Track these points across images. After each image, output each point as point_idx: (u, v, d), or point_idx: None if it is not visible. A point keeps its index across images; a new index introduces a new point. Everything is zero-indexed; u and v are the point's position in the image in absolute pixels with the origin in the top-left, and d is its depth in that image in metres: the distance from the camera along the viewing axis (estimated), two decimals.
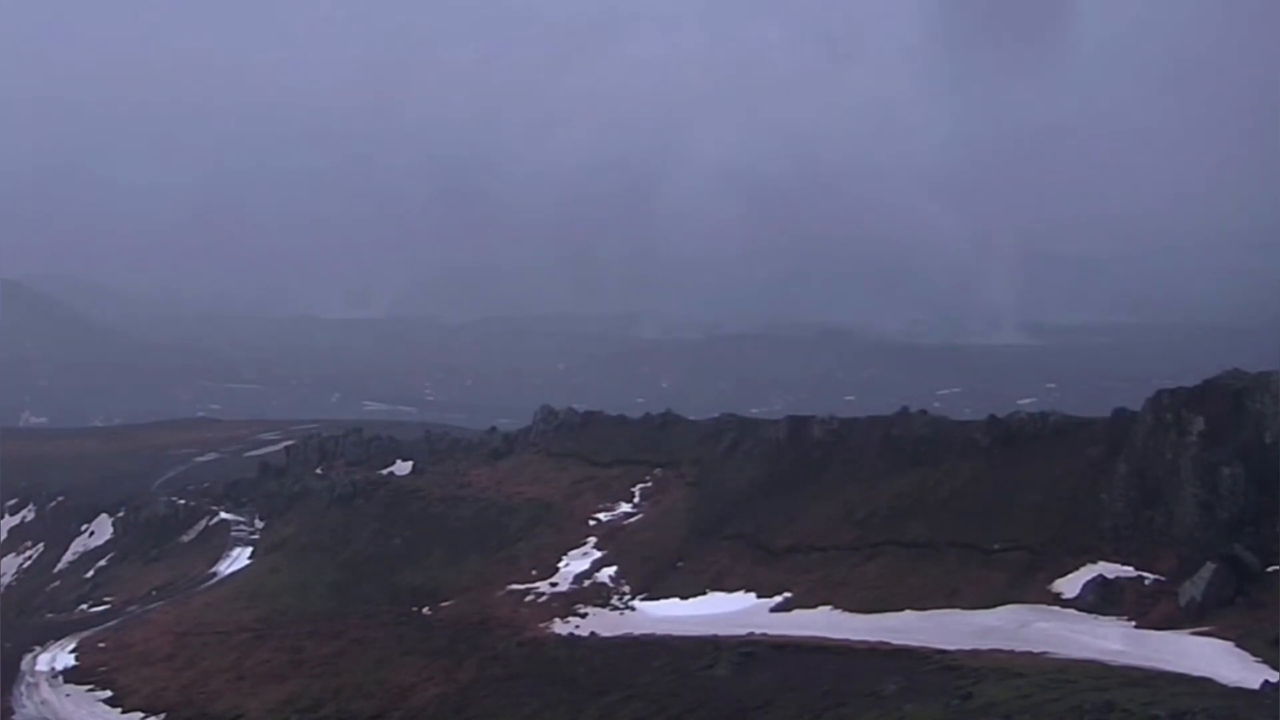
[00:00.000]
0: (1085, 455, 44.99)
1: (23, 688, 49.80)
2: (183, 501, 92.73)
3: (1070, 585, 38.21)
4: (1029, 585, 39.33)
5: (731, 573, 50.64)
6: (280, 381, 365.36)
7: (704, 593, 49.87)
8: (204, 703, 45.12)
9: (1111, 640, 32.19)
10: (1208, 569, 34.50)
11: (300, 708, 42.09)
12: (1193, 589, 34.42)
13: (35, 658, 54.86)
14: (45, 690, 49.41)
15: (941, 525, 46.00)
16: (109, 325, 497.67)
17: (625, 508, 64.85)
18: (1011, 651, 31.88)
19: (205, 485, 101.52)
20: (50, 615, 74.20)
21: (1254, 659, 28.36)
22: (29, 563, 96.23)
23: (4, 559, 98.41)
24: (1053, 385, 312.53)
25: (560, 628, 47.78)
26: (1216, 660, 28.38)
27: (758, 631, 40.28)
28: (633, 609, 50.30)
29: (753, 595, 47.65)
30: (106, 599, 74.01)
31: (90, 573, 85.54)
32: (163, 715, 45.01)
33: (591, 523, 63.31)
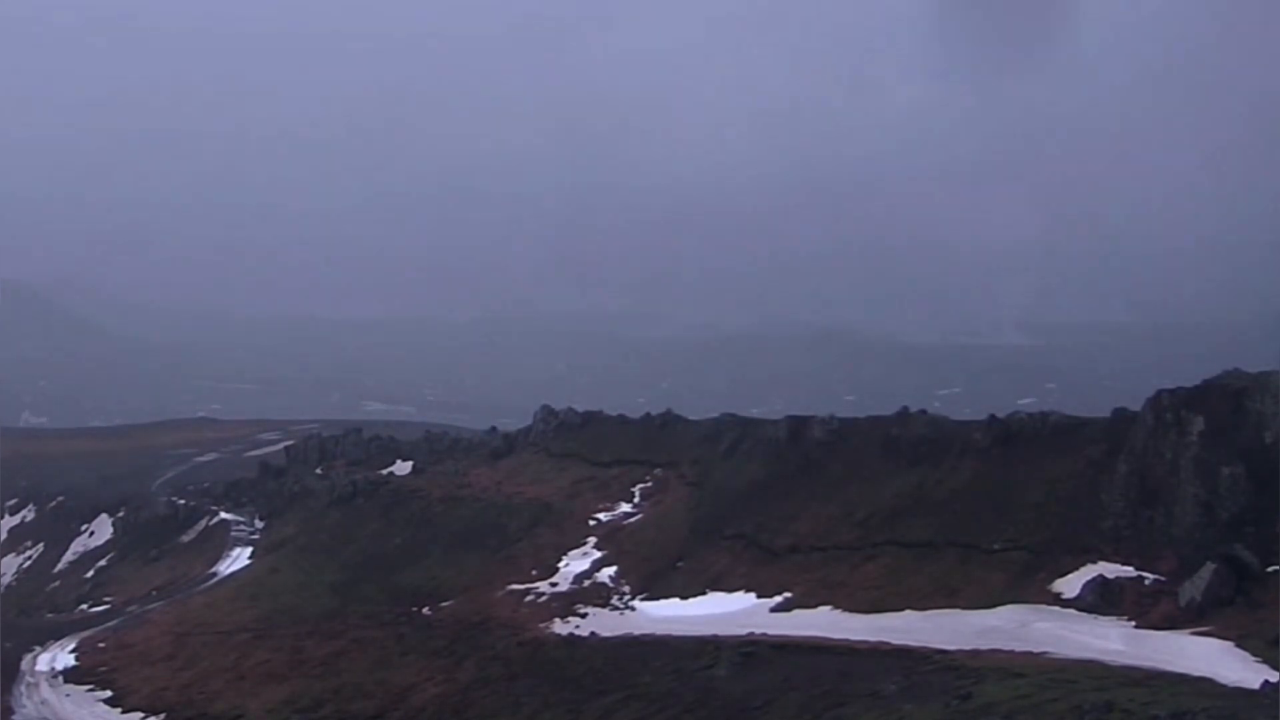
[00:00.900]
0: (1085, 455, 44.96)
1: (23, 688, 49.82)
2: (183, 501, 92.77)
3: (1070, 585, 38.20)
4: (1029, 585, 39.33)
5: (731, 573, 50.62)
6: (280, 381, 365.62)
7: (704, 593, 49.85)
8: (204, 703, 45.15)
9: (1111, 640, 32.19)
10: (1208, 569, 34.50)
11: (300, 708, 42.12)
12: (1193, 589, 34.42)
13: (35, 658, 54.90)
14: (45, 690, 49.44)
15: (941, 525, 45.99)
16: (109, 325, 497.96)
17: (625, 508, 64.85)
18: (1011, 651, 31.88)
19: (205, 485, 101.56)
20: (50, 615, 74.26)
21: (1254, 659, 28.35)
22: (29, 563, 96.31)
23: (4, 559, 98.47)
24: (1053, 385, 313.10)
25: (560, 628, 47.77)
26: (1216, 660, 28.38)
27: (758, 631, 40.27)
28: (633, 609, 50.29)
29: (753, 595, 47.62)
30: (106, 599, 74.08)
31: (90, 573, 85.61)
32: (163, 715, 45.05)
33: (591, 523, 63.30)
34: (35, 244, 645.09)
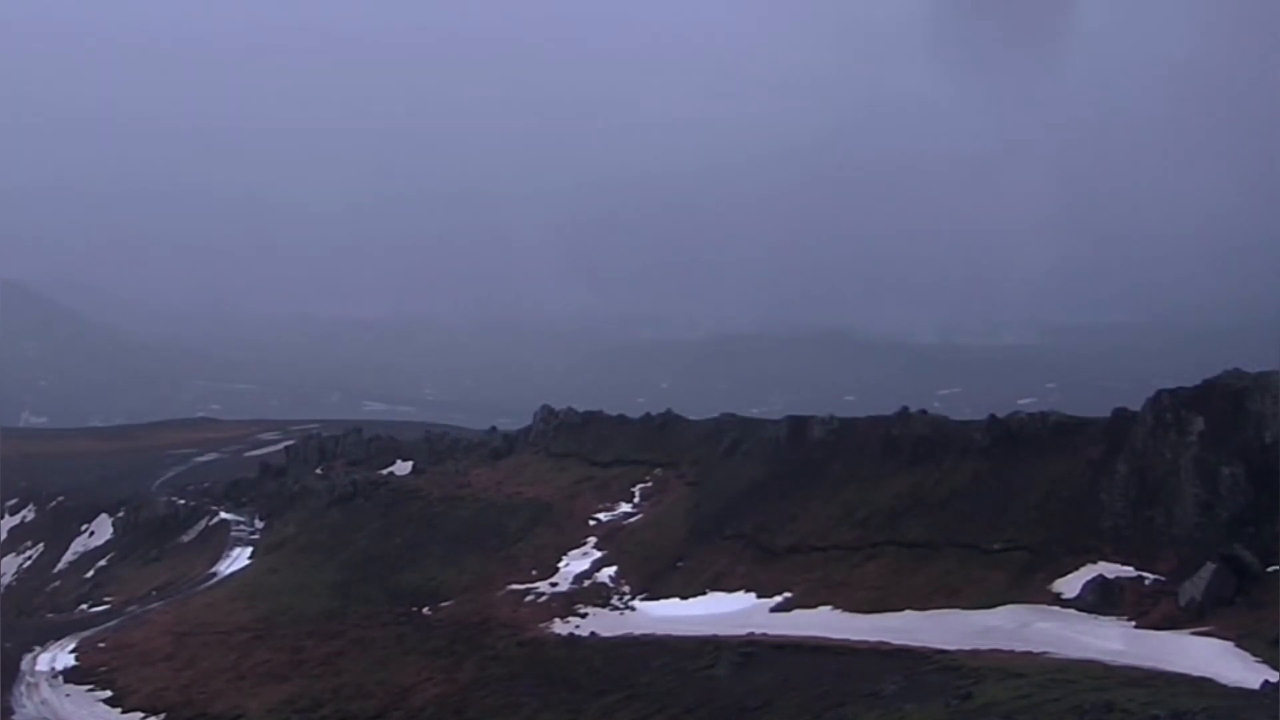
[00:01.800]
0: (1085, 455, 44.96)
1: (23, 688, 49.78)
2: (183, 501, 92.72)
3: (1070, 585, 38.21)
4: (1029, 585, 39.33)
5: (731, 573, 50.64)
6: (280, 381, 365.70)
7: (704, 593, 49.87)
8: (204, 703, 45.12)
9: (1111, 640, 32.20)
10: (1208, 569, 34.50)
11: (300, 708, 42.12)
12: (1193, 589, 34.42)
13: (35, 658, 54.83)
14: (45, 690, 49.40)
15: (941, 525, 46.00)
16: (109, 325, 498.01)
17: (625, 508, 64.85)
18: (1011, 651, 31.88)
19: (205, 485, 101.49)
20: (50, 615, 74.20)
21: (1254, 659, 28.35)
22: (29, 563, 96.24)
23: (4, 559, 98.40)
24: (1053, 385, 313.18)
25: (560, 628, 47.78)
26: (1216, 660, 28.38)
27: (758, 631, 40.29)
28: (633, 609, 50.31)
29: (753, 595, 47.65)
30: (106, 599, 74.03)
31: (90, 573, 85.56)
32: (163, 715, 45.02)
33: (591, 523, 63.30)
34: (35, 244, 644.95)
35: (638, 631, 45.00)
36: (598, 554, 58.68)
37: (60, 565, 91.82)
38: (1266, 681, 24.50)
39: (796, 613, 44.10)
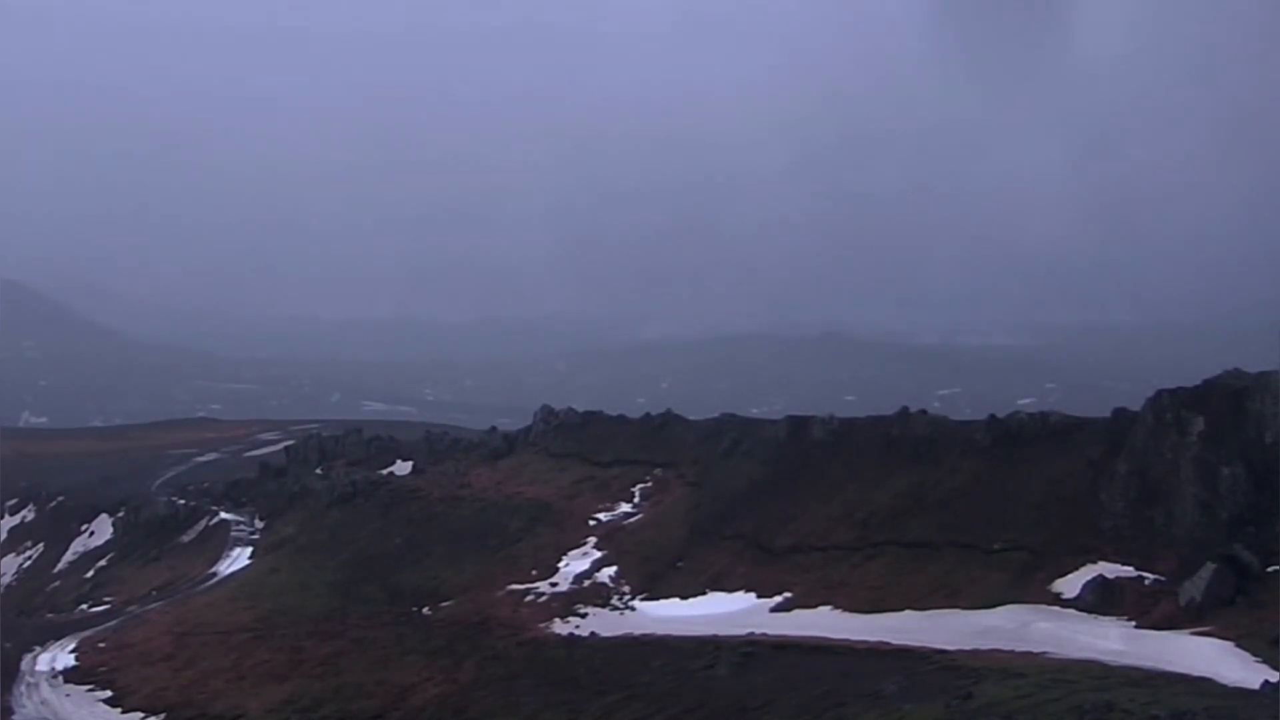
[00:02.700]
0: (1085, 455, 44.96)
1: (23, 688, 49.77)
2: (183, 501, 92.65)
3: (1070, 585, 38.21)
4: (1029, 585, 39.33)
5: (731, 573, 50.63)
6: (280, 381, 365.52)
7: (704, 593, 49.87)
8: (204, 703, 45.10)
9: (1111, 640, 32.19)
10: (1208, 569, 34.50)
11: (300, 708, 42.10)
12: (1193, 589, 34.42)
13: (35, 658, 54.80)
14: (45, 690, 49.39)
15: (941, 525, 45.99)
16: (109, 325, 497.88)
17: (625, 508, 64.84)
18: (1011, 651, 31.88)
19: (205, 485, 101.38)
20: (50, 615, 74.16)
21: (1254, 659, 28.35)
22: (29, 563, 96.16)
23: (4, 559, 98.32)
24: (1053, 385, 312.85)
25: (560, 628, 47.78)
26: (1216, 660, 28.37)
27: (758, 631, 40.28)
28: (633, 609, 50.30)
29: (753, 595, 47.65)
30: (106, 599, 73.98)
31: (90, 573, 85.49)
32: (163, 715, 45.00)
33: (591, 523, 63.29)
34: (35, 244, 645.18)
35: (638, 631, 44.99)
36: (598, 554, 58.67)
37: (60, 565, 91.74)
38: (1266, 681, 24.50)
39: (796, 613, 44.11)
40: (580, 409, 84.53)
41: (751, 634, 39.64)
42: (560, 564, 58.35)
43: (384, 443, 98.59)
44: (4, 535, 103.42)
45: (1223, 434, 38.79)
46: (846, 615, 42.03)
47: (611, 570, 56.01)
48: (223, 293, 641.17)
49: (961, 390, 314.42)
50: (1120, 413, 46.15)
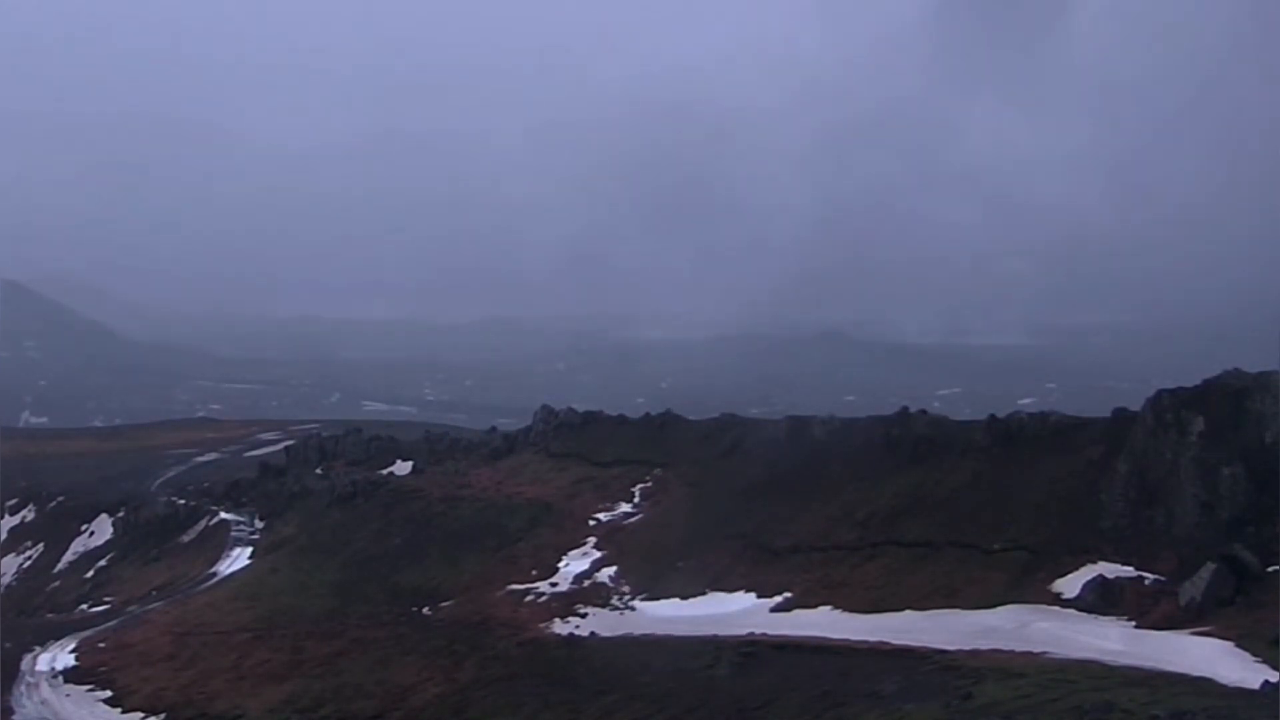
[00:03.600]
0: (1085, 455, 44.94)
1: (23, 688, 49.79)
2: (183, 501, 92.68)
3: (1070, 585, 38.16)
4: (1029, 585, 39.30)
5: (731, 573, 50.61)
6: (280, 381, 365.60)
7: (704, 593, 49.83)
8: (204, 703, 45.10)
9: (1111, 640, 32.15)
10: (1208, 569, 34.47)
11: (300, 708, 42.09)
12: (1193, 589, 34.40)
13: (35, 658, 54.83)
14: (45, 690, 49.41)
15: (941, 525, 45.97)
16: (109, 325, 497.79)
17: (625, 508, 64.87)
18: (1011, 651, 31.83)
19: (205, 485, 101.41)
20: (50, 615, 74.19)
21: (1254, 659, 28.31)
22: (29, 563, 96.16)
23: (4, 559, 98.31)
24: (1053, 385, 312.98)
25: (560, 628, 47.76)
26: (1216, 660, 28.34)
27: (758, 631, 40.26)
28: (633, 609, 50.29)
29: (753, 595, 47.61)
30: (106, 599, 74.02)
31: (90, 573, 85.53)
32: (163, 715, 45.00)
33: (591, 523, 63.31)
34: (36, 244, 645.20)
35: (638, 631, 45.00)
36: (598, 554, 58.68)
37: (60, 565, 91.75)
38: (1266, 681, 24.49)
39: (796, 613, 44.07)
40: (580, 409, 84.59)
41: (752, 634, 39.61)
42: (560, 564, 58.36)
43: (384, 443, 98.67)
44: (4, 535, 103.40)
45: (1223, 434, 38.77)
46: (846, 615, 41.99)
47: (611, 570, 56.01)
48: (223, 293, 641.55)
49: (961, 390, 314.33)
50: (1120, 413, 46.13)
